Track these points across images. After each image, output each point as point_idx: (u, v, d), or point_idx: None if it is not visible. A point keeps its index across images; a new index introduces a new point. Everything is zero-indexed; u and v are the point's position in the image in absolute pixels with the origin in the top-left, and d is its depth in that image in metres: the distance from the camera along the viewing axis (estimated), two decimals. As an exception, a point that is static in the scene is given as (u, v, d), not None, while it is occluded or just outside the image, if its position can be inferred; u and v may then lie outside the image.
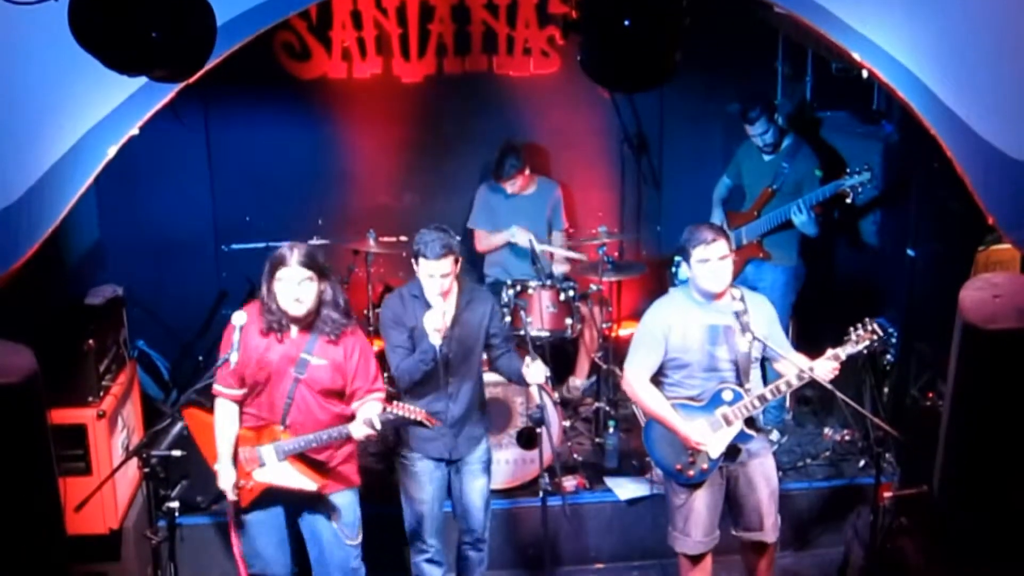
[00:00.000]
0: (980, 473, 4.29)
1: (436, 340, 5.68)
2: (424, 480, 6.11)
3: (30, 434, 4.17)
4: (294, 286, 5.48)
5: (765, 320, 5.97)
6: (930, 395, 6.55)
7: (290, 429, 5.61)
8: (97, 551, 6.36)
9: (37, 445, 4.23)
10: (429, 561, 6.26)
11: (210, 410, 5.76)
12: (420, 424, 5.59)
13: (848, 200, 7.73)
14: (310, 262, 5.52)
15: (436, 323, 5.66)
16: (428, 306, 5.80)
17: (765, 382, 5.99)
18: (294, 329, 5.63)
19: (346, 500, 5.85)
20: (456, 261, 5.84)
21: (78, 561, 6.16)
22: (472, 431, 6.15)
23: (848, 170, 7.67)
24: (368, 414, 5.51)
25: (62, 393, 6.10)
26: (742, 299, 5.91)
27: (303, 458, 5.65)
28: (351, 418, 5.66)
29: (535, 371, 5.84)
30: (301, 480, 5.61)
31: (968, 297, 4.18)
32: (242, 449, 5.66)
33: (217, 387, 5.68)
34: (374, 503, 6.32)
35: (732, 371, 5.87)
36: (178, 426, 5.70)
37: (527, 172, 8.55)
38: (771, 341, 5.90)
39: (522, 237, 8.35)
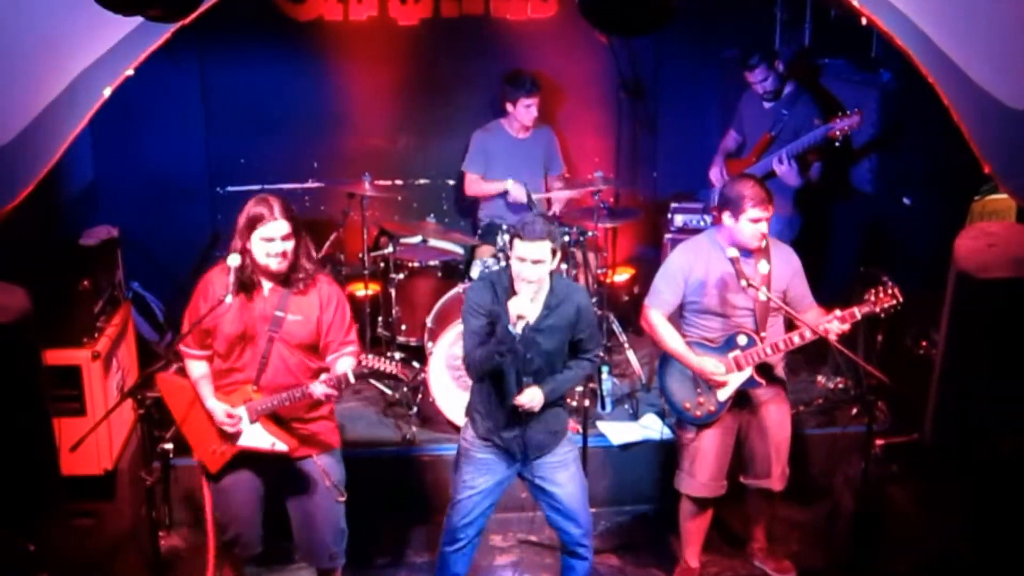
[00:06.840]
0: (970, 422, 4.30)
1: (517, 328, 5.30)
2: (483, 468, 5.73)
3: (24, 374, 4.17)
4: (278, 242, 5.26)
5: (789, 271, 6.00)
6: (923, 343, 6.56)
7: (263, 389, 5.44)
8: (92, 491, 6.38)
9: (31, 385, 4.23)
10: (457, 552, 5.86)
11: (181, 374, 5.65)
12: (394, 378, 5.45)
13: (837, 144, 7.68)
14: (290, 214, 5.30)
15: (521, 309, 5.31)
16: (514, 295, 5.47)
17: None
18: (266, 287, 5.41)
19: (331, 460, 5.69)
20: (554, 253, 5.38)
21: (73, 501, 6.22)
22: (548, 427, 5.69)
23: (838, 114, 7.63)
24: (339, 370, 5.31)
25: (57, 334, 6.09)
26: (767, 248, 5.94)
27: (276, 420, 5.49)
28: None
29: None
30: (273, 441, 5.47)
31: (963, 246, 4.17)
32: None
33: (184, 348, 5.52)
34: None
35: (750, 318, 5.94)
36: (173, 368, 5.71)
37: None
38: (791, 293, 5.97)
39: (518, 192, 8.27)
